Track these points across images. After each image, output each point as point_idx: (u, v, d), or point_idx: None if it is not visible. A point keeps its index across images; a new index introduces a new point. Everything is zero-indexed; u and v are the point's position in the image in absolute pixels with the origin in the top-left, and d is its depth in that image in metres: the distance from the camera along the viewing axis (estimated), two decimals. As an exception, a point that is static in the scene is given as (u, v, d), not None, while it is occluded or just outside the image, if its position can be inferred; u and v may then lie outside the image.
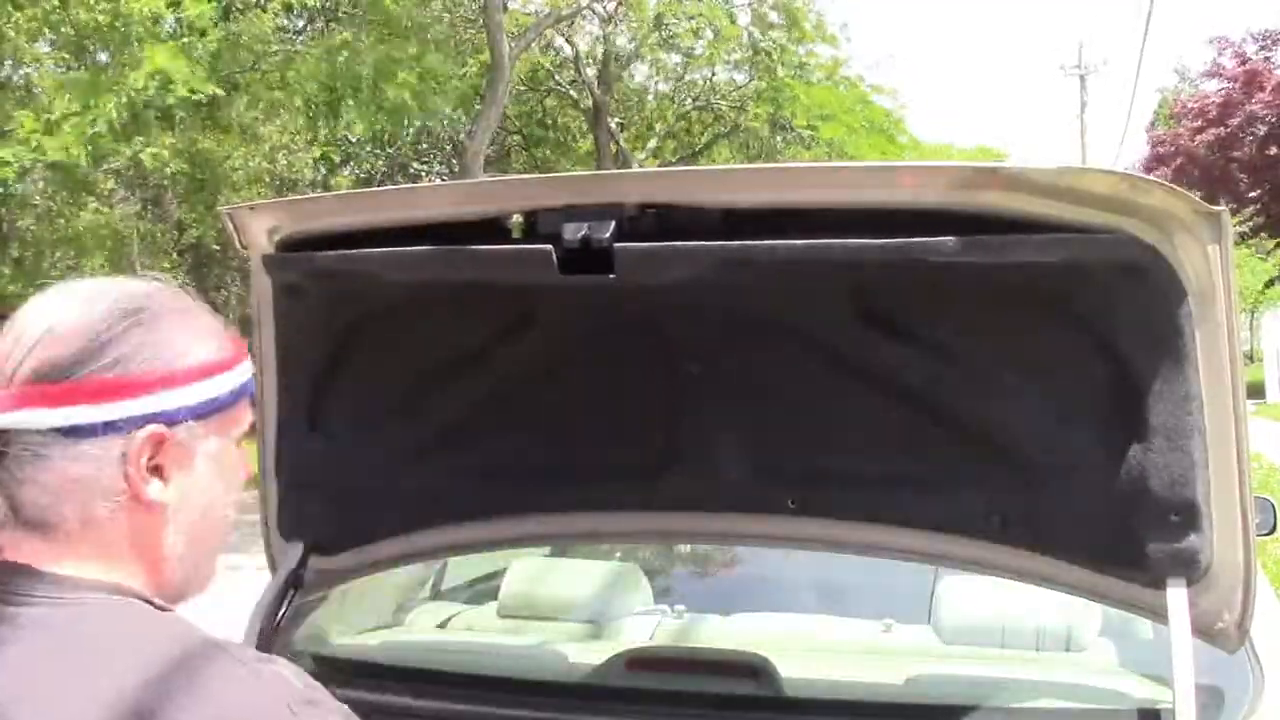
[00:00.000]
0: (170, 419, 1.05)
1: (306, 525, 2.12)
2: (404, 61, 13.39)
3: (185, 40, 12.09)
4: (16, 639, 0.98)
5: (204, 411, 1.08)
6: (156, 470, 1.05)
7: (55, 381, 1.02)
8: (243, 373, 1.14)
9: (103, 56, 12.88)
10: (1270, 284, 33.03)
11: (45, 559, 1.02)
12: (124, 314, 1.05)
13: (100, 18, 11.81)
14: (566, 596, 2.87)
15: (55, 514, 1.02)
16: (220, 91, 12.31)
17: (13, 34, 12.78)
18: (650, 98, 25.99)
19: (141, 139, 12.12)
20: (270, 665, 1.02)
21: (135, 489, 1.03)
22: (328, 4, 16.69)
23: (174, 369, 1.06)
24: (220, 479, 1.11)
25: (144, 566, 1.06)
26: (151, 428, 1.04)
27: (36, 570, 1.01)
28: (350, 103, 13.61)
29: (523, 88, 23.93)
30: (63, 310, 1.06)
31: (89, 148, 11.42)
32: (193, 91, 11.57)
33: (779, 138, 24.27)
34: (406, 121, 15.88)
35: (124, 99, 11.34)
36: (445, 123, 20.21)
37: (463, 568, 3.16)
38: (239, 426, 1.14)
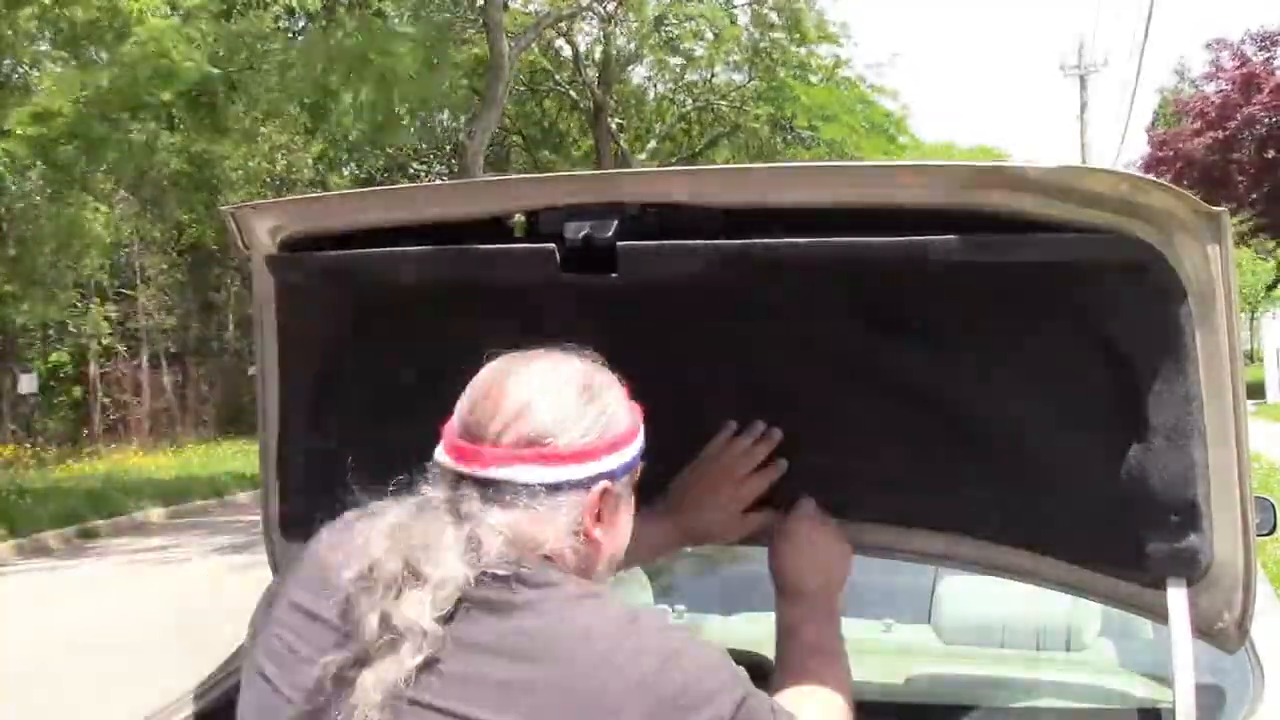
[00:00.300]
0: (612, 475, 1.35)
1: (308, 525, 2.12)
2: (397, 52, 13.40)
3: (184, 30, 12.11)
4: (508, 616, 1.25)
5: (629, 468, 1.39)
6: (597, 515, 1.34)
7: (543, 445, 1.31)
8: (642, 437, 1.43)
9: (102, 56, 12.88)
10: (1273, 286, 33.03)
11: (530, 570, 1.28)
12: (582, 389, 1.36)
13: (96, 15, 11.81)
14: (566, 596, 2.87)
15: (536, 546, 1.30)
16: (216, 70, 12.31)
17: (11, 33, 12.79)
18: (650, 98, 25.99)
19: (140, 121, 12.11)
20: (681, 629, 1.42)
21: (588, 530, 1.33)
22: (327, 4, 16.70)
23: (618, 435, 1.36)
24: (629, 517, 1.42)
25: (587, 576, 1.35)
26: (604, 483, 1.34)
27: (528, 574, 1.27)
28: (345, 99, 13.62)
29: (523, 89, 23.94)
30: (532, 387, 1.35)
31: (74, 126, 11.41)
32: (188, 63, 11.56)
33: (779, 138, 24.29)
34: (406, 120, 15.88)
35: (118, 70, 11.36)
36: (445, 122, 20.21)
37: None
38: (636, 475, 1.42)
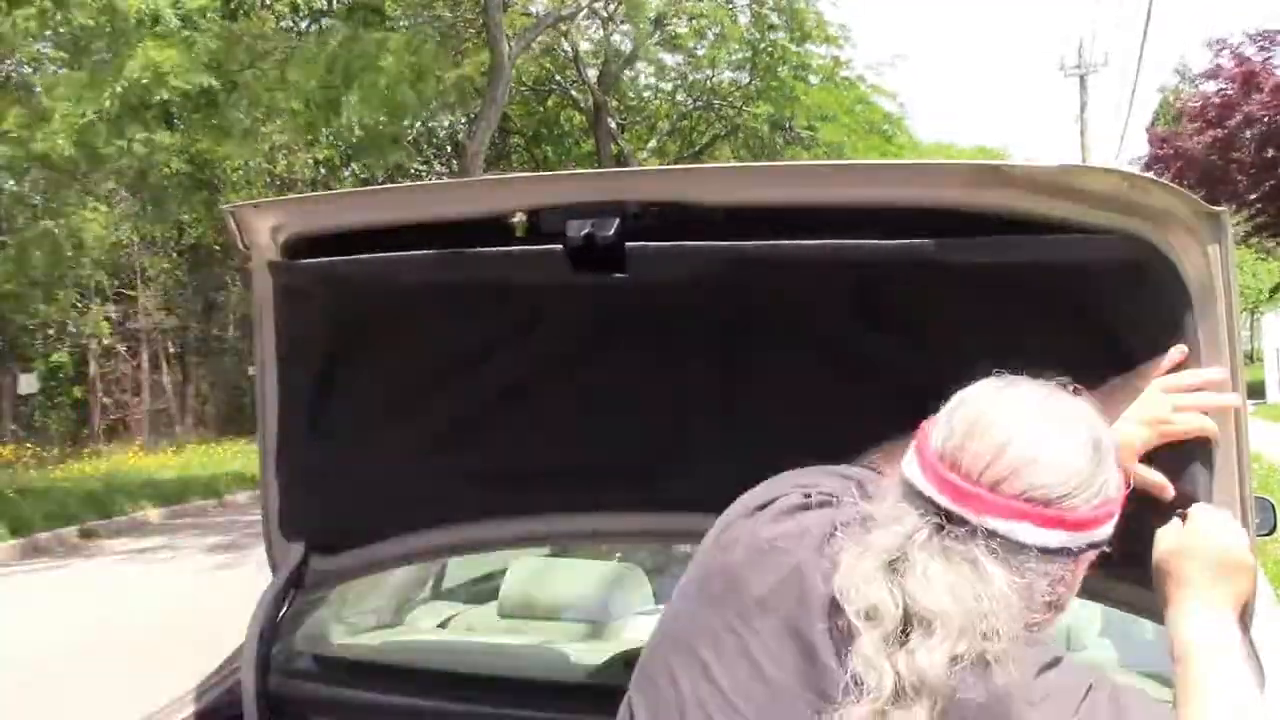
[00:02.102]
0: (1100, 544, 1.21)
1: (307, 525, 2.12)
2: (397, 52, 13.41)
3: (185, 34, 12.09)
4: None
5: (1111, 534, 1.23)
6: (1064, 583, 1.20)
7: (1047, 505, 1.16)
8: None
9: (102, 57, 12.87)
10: (1277, 289, 32.97)
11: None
12: (1094, 447, 1.20)
13: (96, 18, 11.80)
14: (566, 596, 2.87)
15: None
16: (215, 83, 12.29)
17: (9, 33, 12.78)
18: (650, 96, 25.97)
19: (135, 131, 12.10)
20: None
21: (1062, 603, 1.21)
22: (333, 7, 16.73)
23: (1115, 500, 1.22)
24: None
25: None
26: (1093, 552, 1.21)
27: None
28: (352, 99, 13.61)
29: (525, 90, 23.94)
30: (1046, 439, 1.19)
31: (77, 138, 11.40)
32: (186, 84, 11.55)
33: (779, 138, 24.29)
34: (407, 121, 15.88)
35: (118, 89, 11.33)
36: (445, 122, 20.22)
37: (463, 568, 3.16)
38: None
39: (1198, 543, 1.40)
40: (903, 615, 1.13)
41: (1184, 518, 1.45)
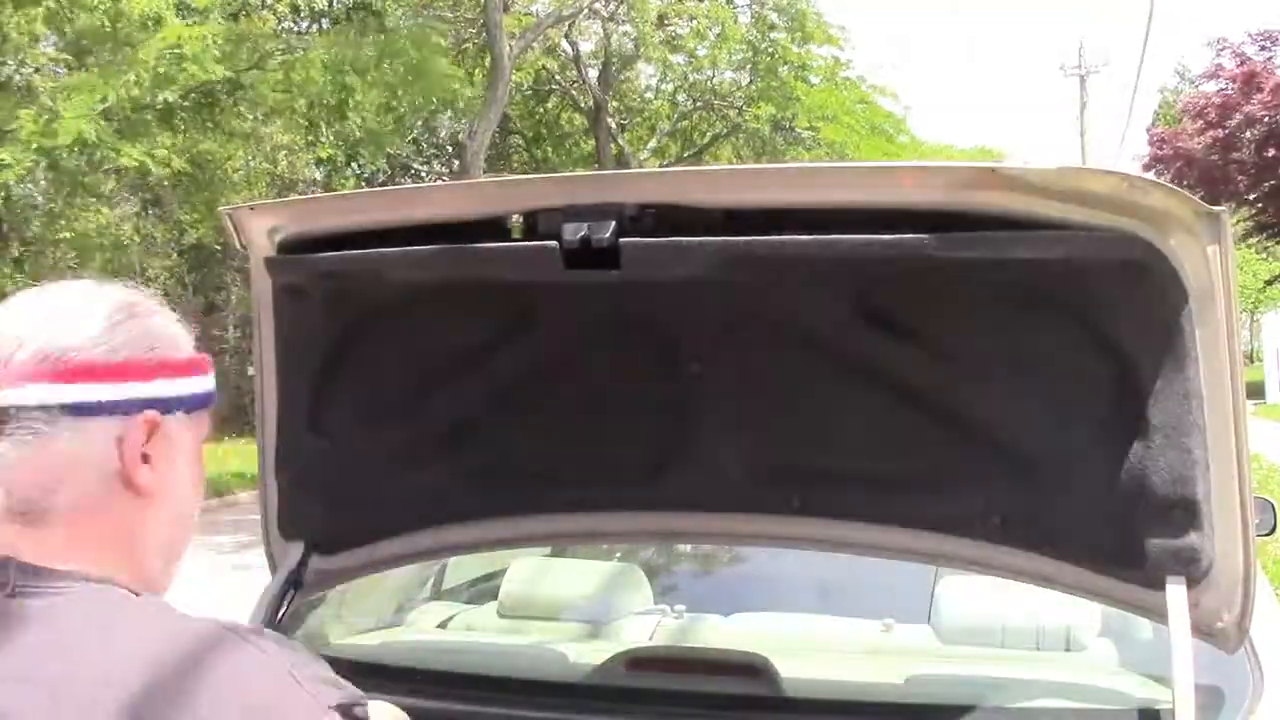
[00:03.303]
0: (165, 407, 1.07)
1: (306, 525, 2.13)
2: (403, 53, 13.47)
3: (196, 25, 12.15)
4: (10, 633, 0.98)
5: (191, 405, 1.11)
6: (145, 459, 1.06)
7: (63, 359, 1.02)
8: (212, 379, 1.17)
9: (108, 59, 12.90)
10: (1271, 282, 33.06)
11: (33, 551, 1.02)
12: (120, 306, 1.08)
13: (101, 20, 11.82)
14: (566, 596, 2.87)
15: (48, 498, 1.02)
16: (230, 74, 12.32)
17: (15, 34, 12.80)
18: (650, 95, 25.98)
19: (143, 141, 12.14)
20: (263, 638, 1.02)
21: (129, 471, 1.04)
22: (333, 7, 16.76)
23: (171, 359, 1.09)
24: (192, 478, 1.13)
25: (127, 559, 1.06)
26: (149, 412, 1.05)
27: (27, 564, 1.01)
28: (357, 99, 13.64)
29: (527, 90, 23.95)
30: (59, 300, 1.08)
31: (99, 124, 11.42)
32: (204, 73, 11.58)
33: (780, 138, 24.31)
34: (408, 123, 15.93)
35: (133, 78, 11.35)
36: (446, 122, 20.25)
37: (463, 568, 3.16)
38: (205, 430, 1.16)
39: None
40: None
41: None
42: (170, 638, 0.98)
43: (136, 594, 1.03)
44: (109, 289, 1.11)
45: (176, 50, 11.61)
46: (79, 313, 1.06)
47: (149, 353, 1.07)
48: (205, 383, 1.14)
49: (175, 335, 1.11)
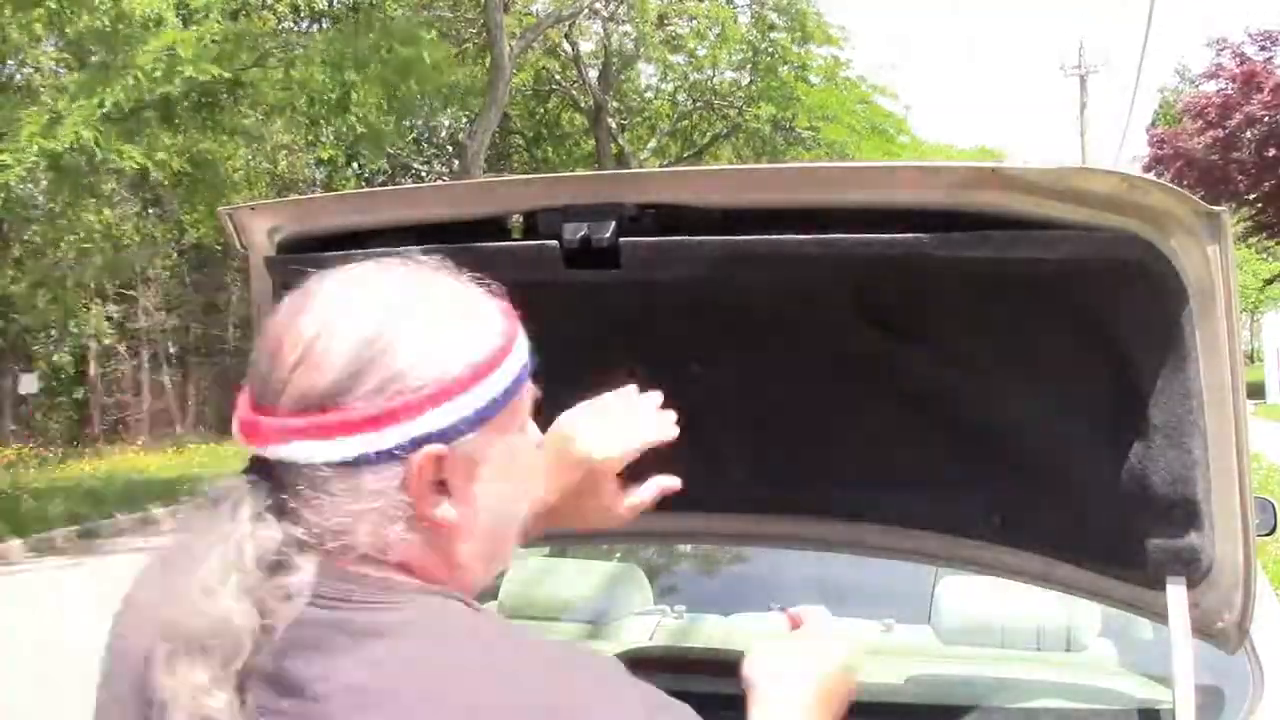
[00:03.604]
0: (444, 437, 0.96)
1: None
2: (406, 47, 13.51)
3: (194, 28, 12.15)
4: (354, 645, 0.93)
5: (480, 419, 0.99)
6: (441, 487, 0.97)
7: (318, 416, 0.94)
8: (518, 357, 1.05)
9: (108, 60, 12.90)
10: (1271, 282, 33.08)
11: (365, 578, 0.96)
12: (363, 341, 0.96)
13: (102, 20, 11.82)
14: (566, 596, 2.87)
15: (350, 540, 0.96)
16: (226, 74, 12.32)
17: (15, 34, 12.80)
18: (651, 95, 26.00)
19: (143, 140, 12.15)
20: (611, 664, 1.02)
21: (422, 510, 0.96)
22: (333, 6, 16.78)
23: (436, 384, 0.96)
24: (508, 479, 1.03)
25: (441, 574, 1.00)
26: (428, 449, 0.95)
27: (361, 574, 0.96)
28: (358, 94, 13.65)
29: (527, 90, 23.96)
30: (313, 327, 0.97)
31: (99, 130, 11.43)
32: (199, 74, 11.59)
33: (780, 138, 24.32)
34: (409, 121, 15.95)
35: (130, 80, 11.36)
36: (446, 122, 20.25)
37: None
38: (521, 415, 1.06)
39: (801, 668, 1.26)
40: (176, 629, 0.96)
41: (792, 622, 1.34)
42: (501, 657, 0.95)
43: (465, 601, 0.99)
44: (360, 300, 0.98)
45: (171, 53, 11.62)
46: (325, 353, 0.95)
47: (413, 393, 0.95)
48: (493, 384, 1.01)
49: (442, 348, 0.98)
